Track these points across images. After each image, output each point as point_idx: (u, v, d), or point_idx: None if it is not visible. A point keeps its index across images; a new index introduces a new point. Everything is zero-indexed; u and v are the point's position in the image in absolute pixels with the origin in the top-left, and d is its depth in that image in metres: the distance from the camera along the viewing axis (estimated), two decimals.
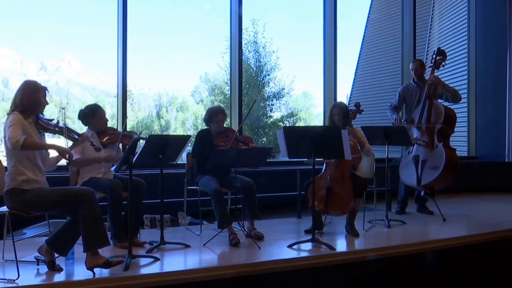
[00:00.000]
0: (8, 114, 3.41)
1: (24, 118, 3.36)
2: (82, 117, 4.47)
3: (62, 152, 3.44)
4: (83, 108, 4.54)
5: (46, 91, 3.53)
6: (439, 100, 5.87)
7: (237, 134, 4.89)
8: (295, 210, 5.92)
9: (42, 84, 3.55)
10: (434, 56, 5.78)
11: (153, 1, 11.26)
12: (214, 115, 4.88)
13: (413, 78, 5.99)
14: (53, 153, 3.63)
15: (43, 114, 3.55)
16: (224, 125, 5.00)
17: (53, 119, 3.60)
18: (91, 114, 4.44)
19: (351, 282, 4.13)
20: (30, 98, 3.41)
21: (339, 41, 8.09)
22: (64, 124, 3.61)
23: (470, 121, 8.88)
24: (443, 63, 5.78)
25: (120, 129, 5.20)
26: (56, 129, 3.57)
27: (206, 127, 5.00)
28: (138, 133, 4.01)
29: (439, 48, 5.89)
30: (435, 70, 5.77)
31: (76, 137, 3.70)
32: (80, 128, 4.42)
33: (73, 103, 13.08)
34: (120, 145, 4.66)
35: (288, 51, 12.24)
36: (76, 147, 4.26)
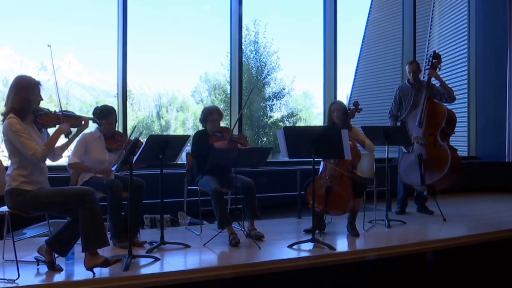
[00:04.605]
0: (3, 115, 3.37)
1: (22, 119, 3.32)
2: (93, 115, 4.47)
3: (63, 132, 3.47)
4: (98, 106, 4.58)
5: (40, 86, 3.41)
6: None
7: (232, 133, 4.88)
8: (295, 210, 5.92)
9: (35, 80, 3.43)
10: (430, 59, 5.85)
11: (153, 1, 11.25)
12: (209, 114, 4.87)
13: (408, 79, 6.01)
14: (57, 143, 3.60)
15: (39, 109, 3.45)
16: (222, 125, 5.01)
17: (50, 111, 3.52)
18: (102, 116, 4.40)
19: (351, 282, 4.13)
20: (21, 99, 3.32)
21: (339, 41, 8.11)
22: (61, 111, 3.55)
23: (470, 121, 8.89)
24: (439, 66, 5.85)
25: (120, 129, 5.19)
26: (56, 121, 3.51)
27: (202, 129, 5.01)
28: (138, 135, 4.01)
29: (435, 52, 5.98)
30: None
31: (75, 122, 3.65)
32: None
33: (73, 103, 13.06)
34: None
35: (289, 51, 12.22)
36: (78, 149, 4.28)
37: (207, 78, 12.46)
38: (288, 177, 6.43)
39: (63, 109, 3.61)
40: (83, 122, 3.69)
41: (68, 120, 3.58)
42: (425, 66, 5.92)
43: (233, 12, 7.47)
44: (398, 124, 5.98)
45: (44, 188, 3.44)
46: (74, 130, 3.65)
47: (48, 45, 3.67)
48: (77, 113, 3.79)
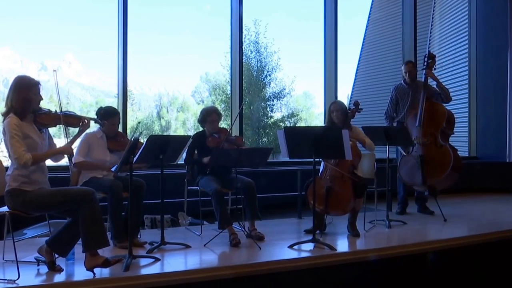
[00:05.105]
0: (3, 115, 3.38)
1: (21, 119, 3.33)
2: (97, 116, 4.47)
3: (65, 153, 3.46)
4: (102, 106, 4.58)
5: (40, 86, 3.42)
6: None
7: (230, 134, 4.88)
8: (296, 210, 5.91)
9: (35, 79, 3.44)
10: (426, 60, 5.91)
11: (153, 1, 11.26)
12: (207, 115, 4.87)
13: (404, 79, 6.01)
14: (60, 145, 3.63)
15: (40, 109, 3.46)
16: (223, 125, 5.01)
17: (50, 111, 3.52)
18: (104, 117, 4.42)
19: (351, 282, 4.12)
20: (21, 99, 3.33)
21: (339, 41, 8.09)
22: (61, 111, 3.55)
23: (471, 121, 8.89)
24: (434, 66, 5.92)
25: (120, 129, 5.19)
26: (56, 121, 3.52)
27: (201, 130, 5.01)
28: (138, 135, 3.99)
29: (429, 52, 6.04)
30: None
31: (77, 122, 3.65)
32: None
33: (73, 103, 13.08)
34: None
35: (289, 51, 12.23)
36: (82, 148, 4.28)
37: (208, 78, 12.47)
38: (289, 177, 6.43)
39: (64, 109, 3.61)
40: (84, 122, 3.68)
41: (69, 120, 3.59)
42: (421, 67, 5.96)
43: (233, 12, 7.46)
44: (395, 125, 5.98)
45: (44, 188, 3.43)
46: (75, 129, 3.66)
47: (54, 70, 3.71)
48: (78, 113, 3.78)
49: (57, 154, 3.53)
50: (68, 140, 3.60)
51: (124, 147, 4.28)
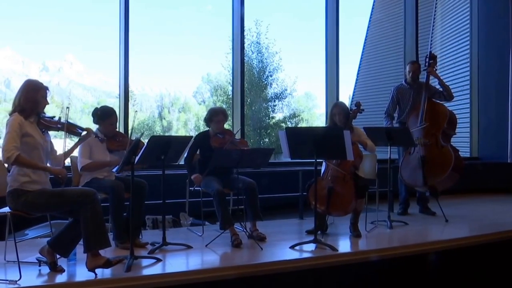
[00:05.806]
0: (9, 114, 3.44)
1: (25, 118, 3.38)
2: (94, 117, 4.49)
3: (56, 174, 3.45)
4: (98, 107, 4.57)
5: (47, 91, 3.53)
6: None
7: (234, 136, 4.89)
8: (297, 211, 5.91)
9: (44, 84, 3.54)
10: (427, 60, 5.95)
11: (154, 1, 11.25)
12: (214, 115, 4.89)
13: (405, 79, 6.02)
14: (60, 151, 3.70)
15: (44, 113, 3.55)
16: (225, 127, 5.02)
17: (55, 117, 3.62)
18: (102, 117, 4.43)
19: (353, 283, 4.13)
20: (28, 98, 3.41)
21: (341, 41, 8.10)
22: (66, 120, 3.64)
23: (473, 122, 8.88)
24: (435, 67, 5.96)
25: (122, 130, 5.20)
26: (59, 125, 3.59)
27: (204, 130, 5.02)
28: (140, 135, 4.01)
29: (430, 52, 6.10)
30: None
31: (80, 131, 3.78)
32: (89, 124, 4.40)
33: (75, 104, 13.07)
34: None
35: (291, 52, 12.21)
36: (84, 151, 4.29)
37: (209, 78, 12.45)
38: (290, 178, 6.42)
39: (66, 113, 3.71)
40: (85, 133, 3.82)
41: (71, 128, 3.69)
42: (423, 67, 5.98)
43: (235, 12, 7.46)
44: (397, 125, 5.99)
45: (46, 189, 3.44)
46: (76, 139, 3.78)
47: (67, 107, 3.84)
48: (79, 114, 3.85)
49: (49, 172, 3.51)
50: (67, 142, 3.65)
51: (124, 147, 4.30)
